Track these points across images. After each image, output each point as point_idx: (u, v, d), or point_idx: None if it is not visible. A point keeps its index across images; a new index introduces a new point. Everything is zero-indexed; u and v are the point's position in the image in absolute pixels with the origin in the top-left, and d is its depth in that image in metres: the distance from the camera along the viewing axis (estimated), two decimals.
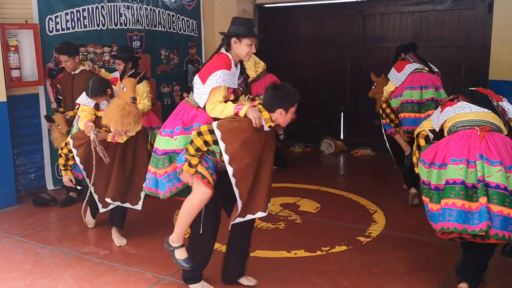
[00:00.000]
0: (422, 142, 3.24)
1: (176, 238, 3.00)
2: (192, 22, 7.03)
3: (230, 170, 2.78)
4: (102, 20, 5.78)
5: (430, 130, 3.28)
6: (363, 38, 6.91)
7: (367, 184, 5.55)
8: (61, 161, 3.84)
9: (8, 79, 4.86)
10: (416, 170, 3.17)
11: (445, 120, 3.13)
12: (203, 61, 7.24)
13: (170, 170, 2.97)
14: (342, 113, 7.31)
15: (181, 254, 2.99)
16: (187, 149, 2.81)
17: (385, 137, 5.03)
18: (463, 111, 3.07)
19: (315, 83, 7.40)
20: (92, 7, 5.65)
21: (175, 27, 6.77)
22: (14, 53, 4.94)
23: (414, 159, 3.24)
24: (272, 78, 5.78)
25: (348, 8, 6.99)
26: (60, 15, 5.34)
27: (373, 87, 5.37)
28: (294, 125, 7.46)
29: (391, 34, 6.66)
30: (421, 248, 3.85)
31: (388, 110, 4.84)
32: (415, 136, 3.40)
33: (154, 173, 3.05)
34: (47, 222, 4.52)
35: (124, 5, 6.01)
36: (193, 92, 3.01)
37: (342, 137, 7.32)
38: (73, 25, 5.48)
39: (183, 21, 6.90)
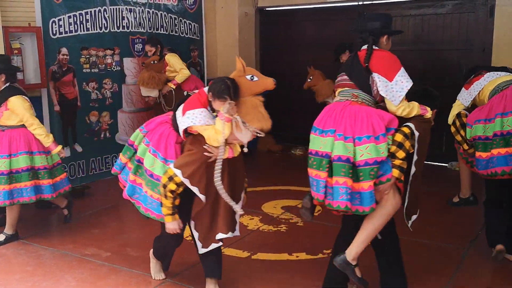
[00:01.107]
0: (465, 120, 3.74)
1: (356, 255, 2.83)
2: (194, 25, 7.06)
3: (413, 170, 2.80)
4: (104, 23, 5.81)
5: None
6: None
7: None
8: (168, 203, 2.84)
9: None
10: (465, 146, 3.71)
11: (481, 90, 3.67)
12: (205, 64, 7.28)
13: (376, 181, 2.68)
14: None
15: (359, 272, 2.90)
16: (393, 155, 2.67)
17: None
18: (495, 77, 3.63)
19: None
20: (95, 10, 5.68)
21: (177, 30, 6.80)
22: (17, 56, 4.96)
23: (459, 138, 3.76)
24: (197, 79, 6.16)
25: (350, 11, 7.00)
26: (63, 18, 5.37)
27: (309, 80, 6.13)
28: (297, 128, 7.56)
29: (393, 37, 6.65)
30: (422, 251, 3.85)
31: None
32: (450, 122, 3.88)
33: (352, 186, 2.65)
34: (49, 224, 4.55)
35: (126, 8, 6.04)
36: (359, 89, 2.80)
37: None
38: (76, 28, 5.50)
39: (185, 24, 6.92)
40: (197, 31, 7.12)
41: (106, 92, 5.93)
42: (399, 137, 2.68)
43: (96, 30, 5.72)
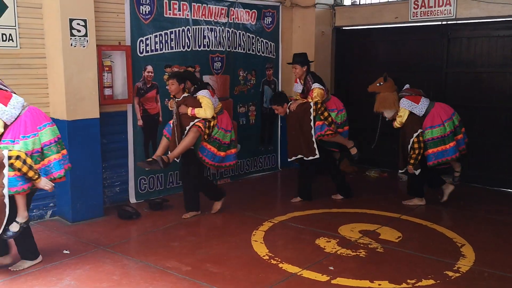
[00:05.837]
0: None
1: None
2: (270, 44, 7.14)
3: None
4: (187, 42, 6.02)
5: None
6: (447, 63, 6.65)
7: (452, 215, 5.25)
8: None
9: (101, 97, 5.17)
10: None
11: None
12: (280, 82, 7.33)
13: None
14: None
15: None
16: None
17: None
18: None
19: None
20: (179, 30, 5.91)
21: (254, 49, 6.91)
22: (107, 73, 5.25)
23: None
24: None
25: (431, 31, 6.78)
26: (150, 37, 5.62)
27: None
28: (371, 150, 7.37)
29: (479, 59, 6.35)
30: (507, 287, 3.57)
31: None
32: None
33: None
34: (131, 235, 4.70)
35: (208, 27, 6.23)
36: None
37: None
38: (161, 47, 5.75)
39: (262, 43, 7.02)
40: (273, 49, 7.20)
41: None
42: None
43: (179, 48, 5.94)
